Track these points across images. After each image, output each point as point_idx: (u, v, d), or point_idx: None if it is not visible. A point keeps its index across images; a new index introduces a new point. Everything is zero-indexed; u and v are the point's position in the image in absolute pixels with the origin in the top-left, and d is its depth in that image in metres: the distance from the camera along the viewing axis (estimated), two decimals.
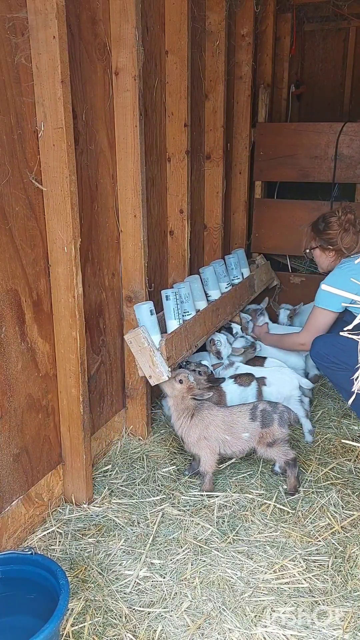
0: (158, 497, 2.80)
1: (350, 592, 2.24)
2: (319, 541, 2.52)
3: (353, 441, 3.31)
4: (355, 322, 1.34)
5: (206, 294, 3.60)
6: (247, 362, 3.54)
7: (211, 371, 3.18)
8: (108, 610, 2.15)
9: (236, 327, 3.80)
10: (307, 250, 3.56)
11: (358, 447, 3.21)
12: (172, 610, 2.16)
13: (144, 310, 2.94)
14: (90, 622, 2.09)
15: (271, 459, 2.88)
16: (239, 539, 2.53)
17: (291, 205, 4.93)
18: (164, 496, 2.81)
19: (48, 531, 2.55)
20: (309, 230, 3.53)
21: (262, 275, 4.60)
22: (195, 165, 4.04)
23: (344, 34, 6.30)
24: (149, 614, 2.14)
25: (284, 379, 3.28)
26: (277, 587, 2.26)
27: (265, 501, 2.77)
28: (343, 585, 2.28)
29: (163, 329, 3.09)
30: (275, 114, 5.57)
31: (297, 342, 3.51)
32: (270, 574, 2.33)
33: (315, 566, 2.38)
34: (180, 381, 2.84)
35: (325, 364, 3.15)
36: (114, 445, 3.22)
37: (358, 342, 1.40)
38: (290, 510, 2.71)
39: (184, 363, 3.17)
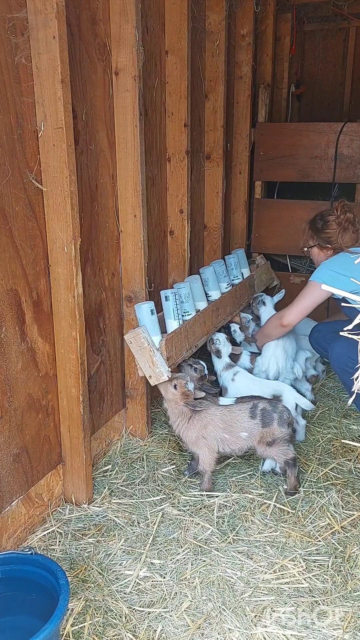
0: (158, 497, 2.80)
1: (350, 592, 2.24)
2: (319, 541, 2.52)
3: (353, 441, 3.31)
4: (355, 322, 1.34)
5: (206, 294, 3.60)
6: None
7: (205, 373, 3.17)
8: (108, 610, 2.15)
9: (234, 326, 3.78)
10: (305, 249, 3.54)
11: (358, 447, 3.21)
12: (172, 610, 2.16)
13: (144, 310, 2.93)
14: (90, 622, 2.09)
15: (271, 458, 2.88)
16: (239, 539, 2.53)
17: (291, 205, 4.94)
18: (164, 496, 2.81)
19: (48, 531, 2.55)
20: (307, 229, 3.50)
21: (262, 275, 4.59)
22: (195, 165, 4.04)
23: (344, 34, 6.31)
24: (149, 614, 2.14)
25: (282, 397, 3.16)
26: (277, 587, 2.26)
27: (265, 501, 2.77)
28: (343, 585, 2.28)
29: (163, 329, 3.09)
30: (275, 114, 5.57)
31: (278, 323, 3.35)
32: (270, 574, 2.33)
33: (315, 566, 2.38)
34: (175, 386, 2.83)
35: (347, 368, 3.03)
36: (114, 445, 3.22)
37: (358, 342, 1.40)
38: (290, 510, 2.71)
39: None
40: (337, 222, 3.32)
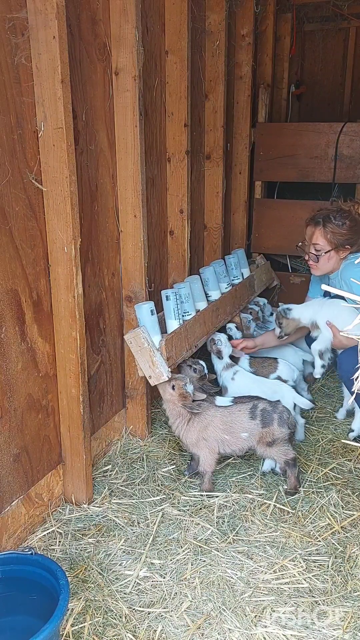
0: (158, 497, 2.80)
1: (350, 592, 2.24)
2: (319, 541, 2.52)
3: (353, 441, 3.31)
4: (355, 322, 1.34)
5: (206, 294, 3.60)
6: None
7: (205, 373, 3.17)
8: (108, 610, 2.15)
9: (231, 326, 3.77)
10: (324, 253, 3.22)
11: (358, 447, 3.21)
12: (172, 610, 2.16)
13: (144, 311, 2.94)
14: (90, 622, 2.09)
15: (271, 458, 2.88)
16: (239, 539, 2.53)
17: (291, 205, 4.93)
18: (164, 496, 2.81)
19: (48, 531, 2.55)
20: (322, 232, 3.20)
21: (262, 275, 4.60)
22: (195, 165, 4.04)
23: (344, 34, 6.31)
24: (149, 614, 2.14)
25: (280, 396, 3.11)
26: (277, 587, 2.26)
27: (265, 501, 2.77)
28: (343, 585, 2.28)
29: (163, 329, 3.09)
30: (275, 114, 5.58)
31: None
32: (270, 574, 2.33)
33: (315, 566, 2.38)
34: (173, 387, 2.83)
35: (351, 374, 2.98)
36: (114, 445, 3.22)
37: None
38: (290, 510, 2.71)
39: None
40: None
